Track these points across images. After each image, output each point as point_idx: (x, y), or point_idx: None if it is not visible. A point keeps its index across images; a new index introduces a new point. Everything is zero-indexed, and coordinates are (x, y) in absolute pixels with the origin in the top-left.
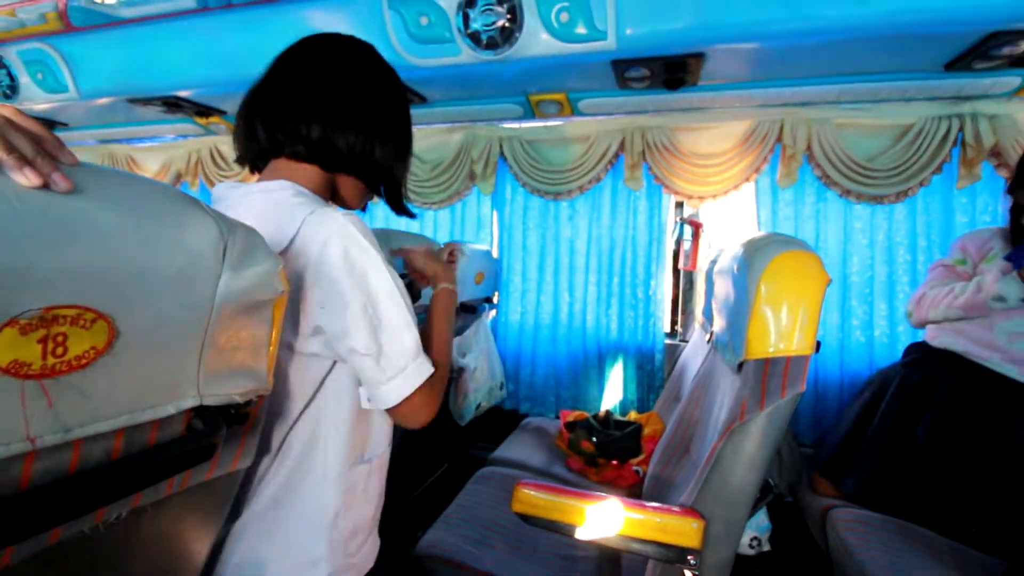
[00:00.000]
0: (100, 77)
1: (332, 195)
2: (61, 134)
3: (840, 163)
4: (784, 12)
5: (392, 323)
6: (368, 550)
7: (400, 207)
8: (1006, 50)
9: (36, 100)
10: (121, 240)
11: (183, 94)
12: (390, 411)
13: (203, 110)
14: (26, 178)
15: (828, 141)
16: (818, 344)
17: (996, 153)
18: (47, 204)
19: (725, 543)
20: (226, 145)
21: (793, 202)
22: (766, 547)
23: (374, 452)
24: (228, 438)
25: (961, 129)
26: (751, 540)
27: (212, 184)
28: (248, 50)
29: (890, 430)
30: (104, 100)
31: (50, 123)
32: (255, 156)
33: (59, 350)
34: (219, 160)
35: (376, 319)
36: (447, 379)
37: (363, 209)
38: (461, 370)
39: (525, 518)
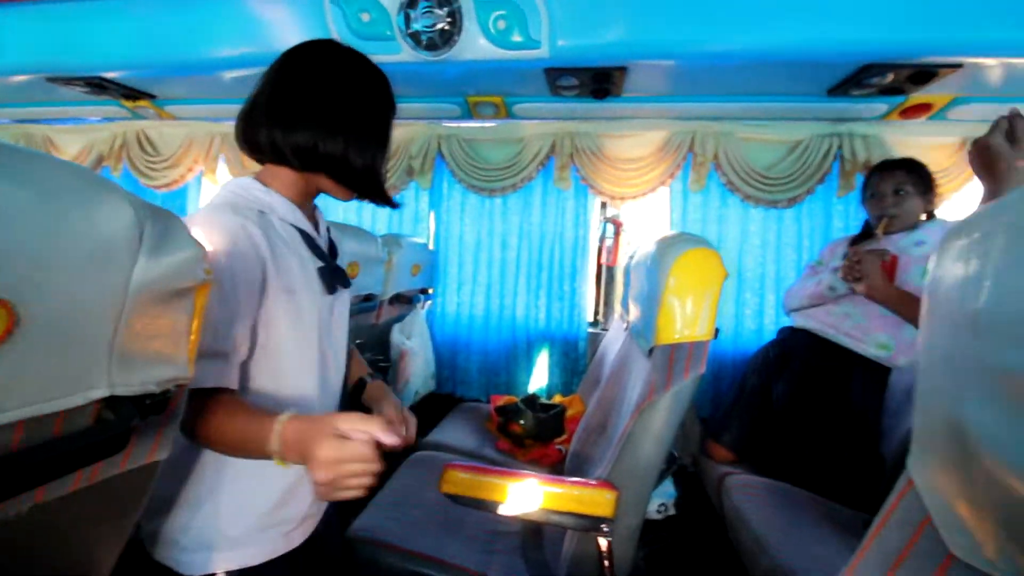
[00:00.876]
0: (18, 52)
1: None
2: None
3: (742, 172)
4: (698, 34)
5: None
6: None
7: (382, 199)
8: (876, 80)
9: None
10: (22, 221)
11: (109, 75)
12: None
13: (131, 93)
14: None
15: (732, 152)
16: (716, 331)
17: (868, 168)
18: None
19: (634, 510)
20: (154, 130)
21: (701, 205)
22: (672, 511)
23: None
24: (144, 429)
25: (840, 146)
26: (659, 506)
27: (137, 170)
28: (183, 33)
29: (757, 395)
30: (22, 77)
31: None
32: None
33: None
34: (147, 146)
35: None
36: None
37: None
38: (403, 353)
39: (453, 498)
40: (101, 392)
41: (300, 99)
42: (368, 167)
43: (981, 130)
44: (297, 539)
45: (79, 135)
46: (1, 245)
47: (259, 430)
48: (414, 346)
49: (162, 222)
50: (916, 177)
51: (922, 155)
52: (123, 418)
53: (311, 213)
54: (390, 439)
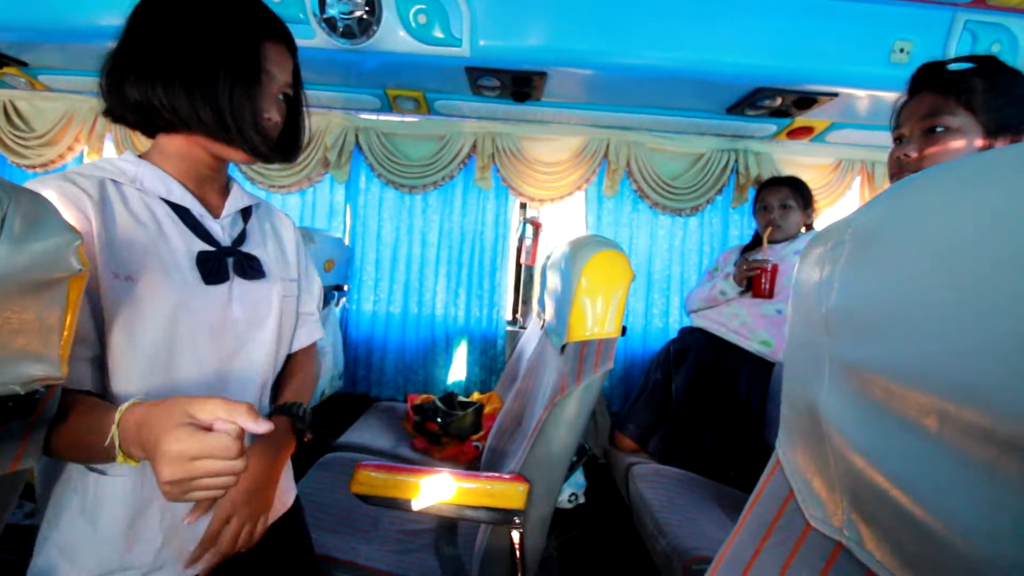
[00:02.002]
0: None
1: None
2: None
3: (651, 180)
4: (613, 46)
5: None
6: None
7: (266, 152)
8: (767, 102)
9: None
10: None
11: None
12: None
13: None
14: None
15: (642, 161)
16: (624, 329)
17: (759, 181)
18: None
19: (545, 501)
20: (25, 102)
21: (614, 210)
22: (582, 500)
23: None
24: (5, 435)
25: (736, 161)
26: (569, 496)
27: (5, 147)
28: None
29: (659, 388)
30: None
31: None
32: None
33: None
34: (15, 119)
35: None
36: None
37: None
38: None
39: (364, 498)
40: None
41: (132, 46)
42: (229, 112)
43: (853, 153)
44: None
45: None
46: None
47: (100, 422)
48: (325, 345)
49: (28, 205)
50: (798, 193)
51: (804, 172)
52: None
53: (217, 189)
54: (262, 426)
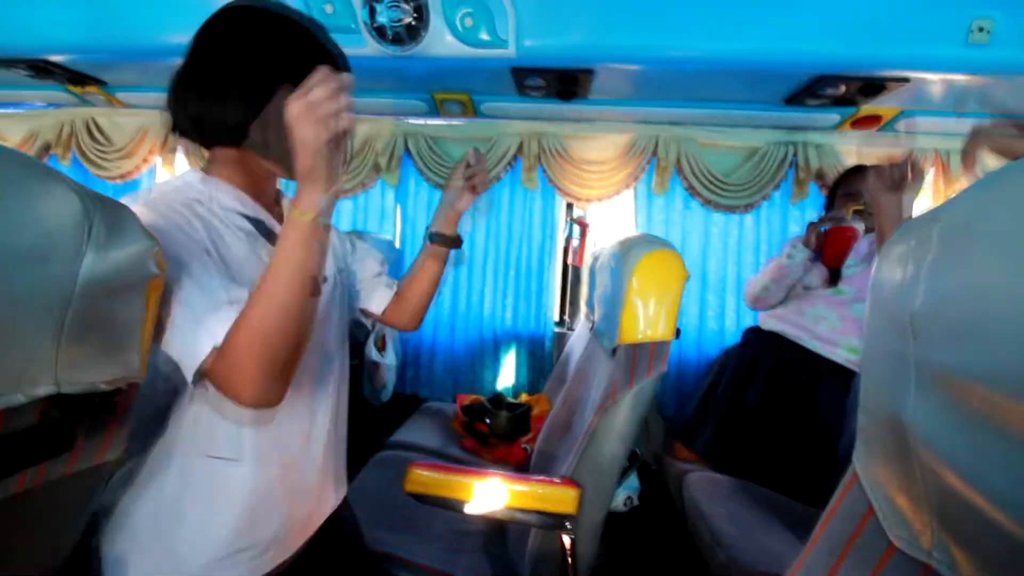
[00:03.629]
0: None
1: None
2: None
3: (703, 176)
4: (661, 40)
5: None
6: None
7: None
8: (829, 91)
9: None
10: None
11: (55, 58)
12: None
13: (78, 77)
14: None
15: (693, 157)
16: (678, 331)
17: (820, 176)
18: None
19: (597, 507)
20: (105, 118)
21: (665, 208)
22: (637, 503)
23: (216, 450)
24: (92, 429)
25: (795, 154)
26: (624, 499)
27: (88, 160)
28: (135, 17)
29: (728, 399)
30: None
31: None
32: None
33: None
34: (96, 134)
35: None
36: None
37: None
38: (378, 366)
39: (418, 497)
40: (46, 389)
41: (196, 64)
42: (274, 133)
43: (925, 142)
44: (267, 565)
45: (22, 121)
46: None
47: (285, 241)
48: (390, 359)
49: (112, 214)
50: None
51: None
52: (70, 416)
53: (272, 198)
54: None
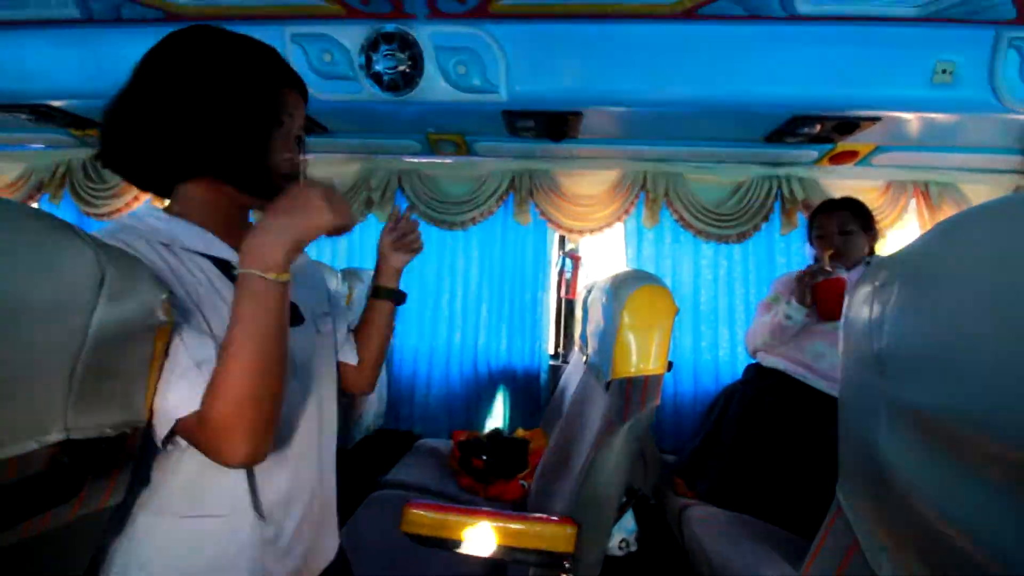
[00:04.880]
0: None
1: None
2: None
3: (692, 208)
4: (645, 85)
5: None
6: None
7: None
8: (806, 130)
9: None
10: None
11: (55, 103)
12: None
13: (78, 121)
14: None
15: (682, 191)
16: (670, 364)
17: (807, 207)
18: None
19: (595, 544)
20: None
21: (655, 241)
22: (634, 547)
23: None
24: (97, 474)
25: (780, 187)
26: (620, 542)
27: (80, 199)
28: (132, 60)
29: (732, 439)
30: None
31: None
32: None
33: None
34: (93, 175)
35: None
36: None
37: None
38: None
39: (415, 538)
40: (57, 436)
41: (154, 93)
42: (249, 150)
43: (905, 175)
44: None
45: (17, 161)
46: None
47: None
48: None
49: (125, 265)
50: (859, 216)
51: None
52: (78, 462)
53: (242, 236)
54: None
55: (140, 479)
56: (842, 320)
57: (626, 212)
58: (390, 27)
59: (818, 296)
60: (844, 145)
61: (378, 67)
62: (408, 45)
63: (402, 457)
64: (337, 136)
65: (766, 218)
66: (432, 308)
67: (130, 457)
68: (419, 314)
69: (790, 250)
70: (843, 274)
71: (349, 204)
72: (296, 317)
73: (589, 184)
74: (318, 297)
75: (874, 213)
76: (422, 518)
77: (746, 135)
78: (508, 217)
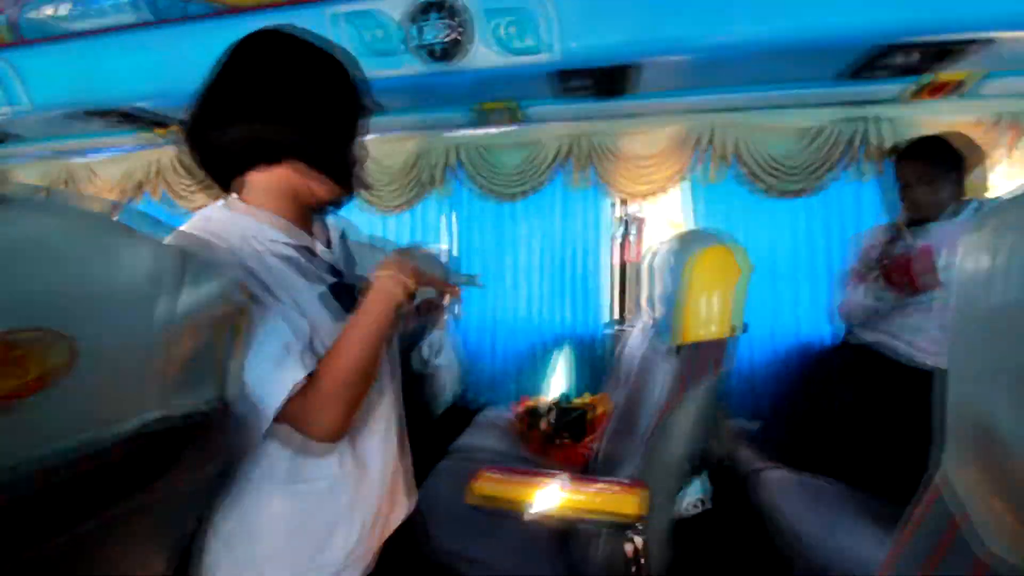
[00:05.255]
0: (54, 89)
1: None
2: (17, 147)
3: (762, 161)
4: (708, 27)
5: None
6: None
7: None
8: (899, 60)
9: None
10: (77, 264)
11: (140, 105)
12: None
13: (161, 120)
14: None
15: (750, 143)
16: (745, 326)
17: (898, 150)
18: None
19: (666, 509)
20: (188, 156)
21: (722, 198)
22: (709, 505)
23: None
24: (196, 445)
25: (865, 131)
26: (694, 502)
27: (175, 194)
28: (205, 61)
29: (823, 410)
30: (59, 112)
31: (4, 136)
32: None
33: (19, 371)
34: (180, 170)
35: None
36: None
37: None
38: (436, 368)
39: (482, 503)
40: (154, 414)
41: (232, 90)
42: (336, 146)
43: (1014, 105)
44: None
45: (117, 164)
46: (63, 288)
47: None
48: (442, 363)
49: (201, 256)
50: (942, 161)
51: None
52: (176, 437)
53: (308, 223)
54: None
55: (245, 451)
56: (948, 277)
57: (689, 170)
58: None
59: (891, 278)
60: (946, 75)
61: (428, 37)
62: (456, 11)
63: (468, 425)
64: (390, 113)
65: (848, 166)
66: (494, 280)
67: (224, 429)
68: (477, 290)
69: (877, 199)
70: (921, 240)
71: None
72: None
73: (648, 143)
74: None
75: (978, 151)
76: (490, 483)
77: (822, 73)
78: (565, 183)
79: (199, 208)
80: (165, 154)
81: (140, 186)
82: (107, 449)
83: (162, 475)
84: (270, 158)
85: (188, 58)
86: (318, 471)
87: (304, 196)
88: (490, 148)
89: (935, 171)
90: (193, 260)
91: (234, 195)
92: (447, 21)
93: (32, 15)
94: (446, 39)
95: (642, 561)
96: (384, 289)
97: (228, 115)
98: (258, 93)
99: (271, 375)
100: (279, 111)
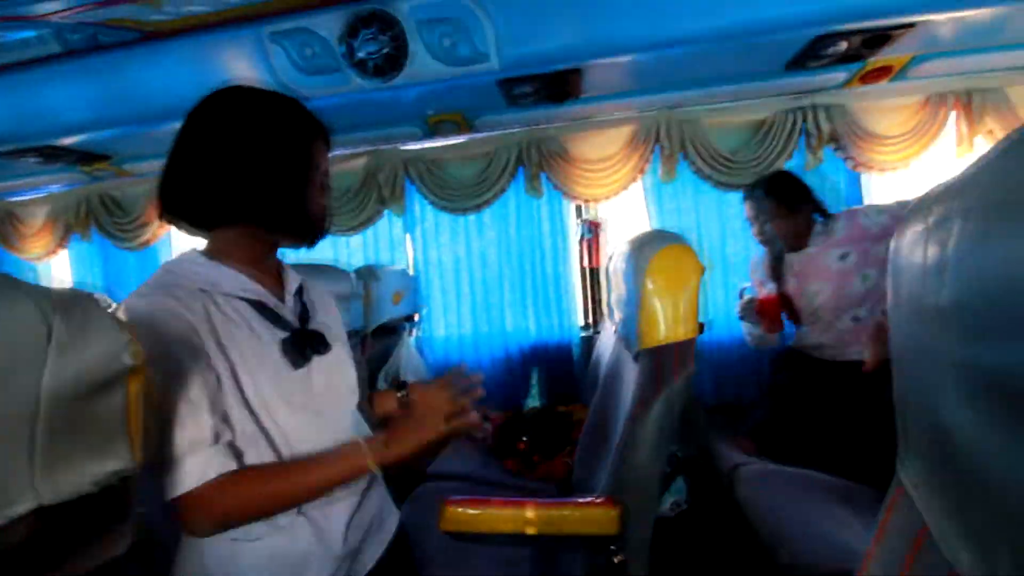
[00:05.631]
0: None
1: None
2: None
3: (710, 157)
4: (648, 27)
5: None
6: None
7: (315, 235)
8: (831, 50)
9: None
10: None
11: (63, 142)
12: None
13: (86, 157)
14: None
15: (699, 139)
16: (702, 325)
17: (834, 138)
18: None
19: (643, 522)
20: (117, 191)
21: (676, 196)
22: (684, 506)
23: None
24: (94, 528)
25: (805, 120)
26: (672, 504)
27: (108, 234)
28: (132, 91)
29: (799, 403)
30: None
31: None
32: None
33: None
34: (113, 208)
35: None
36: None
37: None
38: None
39: (455, 535)
40: (27, 506)
41: (200, 153)
42: (289, 201)
43: (945, 85)
44: None
45: (43, 205)
46: None
47: (344, 458)
48: (410, 380)
49: (76, 313)
50: (765, 200)
51: (888, 117)
52: (61, 528)
53: (273, 274)
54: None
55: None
56: (888, 269)
57: (641, 171)
58: (367, 7)
59: (763, 318)
60: (876, 61)
61: (360, 53)
62: (389, 25)
63: (445, 447)
64: (337, 133)
65: (790, 156)
66: (455, 296)
67: (129, 504)
68: (443, 304)
69: (822, 186)
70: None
71: (466, 406)
72: (326, 344)
73: (601, 145)
74: (337, 324)
75: (910, 135)
76: (460, 514)
77: (764, 66)
78: (520, 192)
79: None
80: (93, 191)
81: (68, 229)
82: None
83: (54, 569)
84: (229, 221)
85: (111, 90)
86: (265, 524)
87: (261, 248)
88: (441, 161)
89: (762, 212)
90: (63, 321)
91: (206, 243)
92: (380, 36)
93: None
94: (381, 53)
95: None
96: (391, 447)
97: (185, 183)
98: (209, 163)
99: (179, 462)
100: (230, 179)
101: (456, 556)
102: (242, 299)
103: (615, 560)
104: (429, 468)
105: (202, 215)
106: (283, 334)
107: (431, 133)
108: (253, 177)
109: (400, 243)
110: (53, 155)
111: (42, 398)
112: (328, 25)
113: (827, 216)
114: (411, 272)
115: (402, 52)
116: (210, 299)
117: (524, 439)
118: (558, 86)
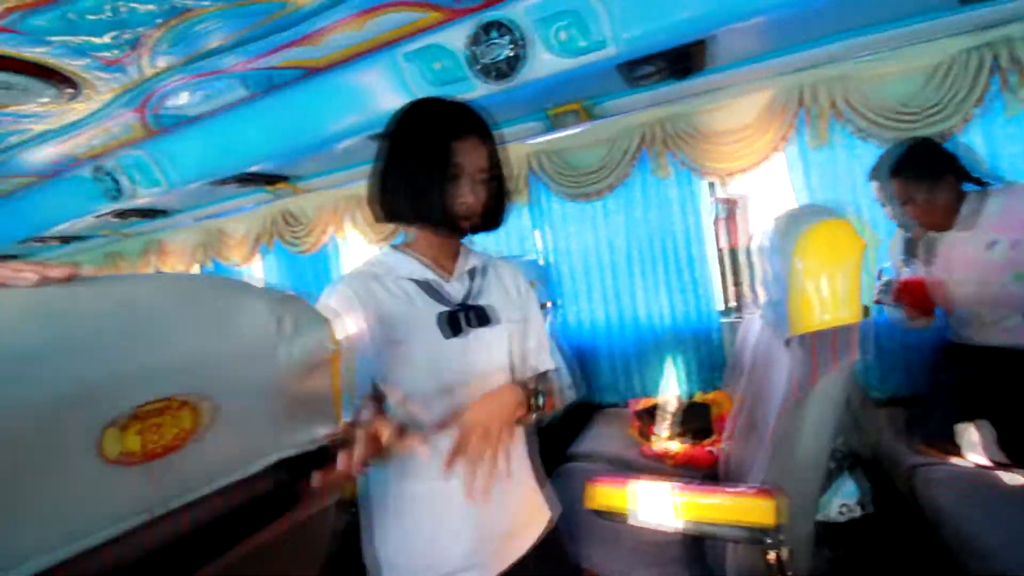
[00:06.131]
0: (184, 169)
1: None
2: (164, 220)
3: (874, 113)
4: None
5: None
6: None
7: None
8: None
9: (138, 196)
10: (187, 334)
11: (253, 169)
12: None
13: (271, 179)
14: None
15: (856, 94)
16: (867, 308)
17: None
18: (114, 318)
19: (803, 516)
20: (293, 206)
21: (826, 163)
22: (857, 512)
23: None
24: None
25: (996, 57)
26: (840, 507)
27: (286, 242)
28: (300, 120)
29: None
30: (191, 186)
31: (153, 212)
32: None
33: (154, 437)
34: (290, 219)
35: None
36: None
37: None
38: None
39: (600, 514)
40: (274, 457)
41: (376, 168)
42: (432, 203)
43: None
44: None
45: (241, 222)
46: (176, 357)
47: None
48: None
49: (294, 309)
50: (921, 174)
51: None
52: (296, 475)
53: (450, 255)
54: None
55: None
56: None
57: (784, 139)
58: (490, 16)
59: (904, 304)
60: None
61: (484, 60)
62: (508, 28)
63: (585, 428)
64: None
65: (980, 101)
66: (586, 282)
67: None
68: (574, 290)
69: (1021, 136)
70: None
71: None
72: (486, 319)
73: (732, 116)
74: (512, 306)
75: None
76: (605, 493)
77: (933, 1)
78: (646, 174)
79: (306, 250)
80: (275, 208)
81: (258, 239)
82: (251, 482)
83: (295, 503)
84: (404, 222)
85: (287, 121)
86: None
87: (436, 241)
88: (562, 151)
89: (916, 190)
90: (288, 317)
91: (401, 236)
92: (501, 40)
93: (158, 109)
94: (501, 57)
95: (788, 574)
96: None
97: (370, 192)
98: (382, 175)
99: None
100: (374, 185)
101: (600, 531)
102: (411, 280)
103: (771, 555)
104: (570, 449)
105: (382, 215)
106: (442, 308)
107: (551, 126)
108: (396, 182)
109: (528, 234)
110: (247, 180)
111: (280, 374)
112: (452, 38)
113: (984, 187)
114: (540, 263)
115: (522, 52)
116: (378, 282)
117: (665, 426)
118: (680, 61)
